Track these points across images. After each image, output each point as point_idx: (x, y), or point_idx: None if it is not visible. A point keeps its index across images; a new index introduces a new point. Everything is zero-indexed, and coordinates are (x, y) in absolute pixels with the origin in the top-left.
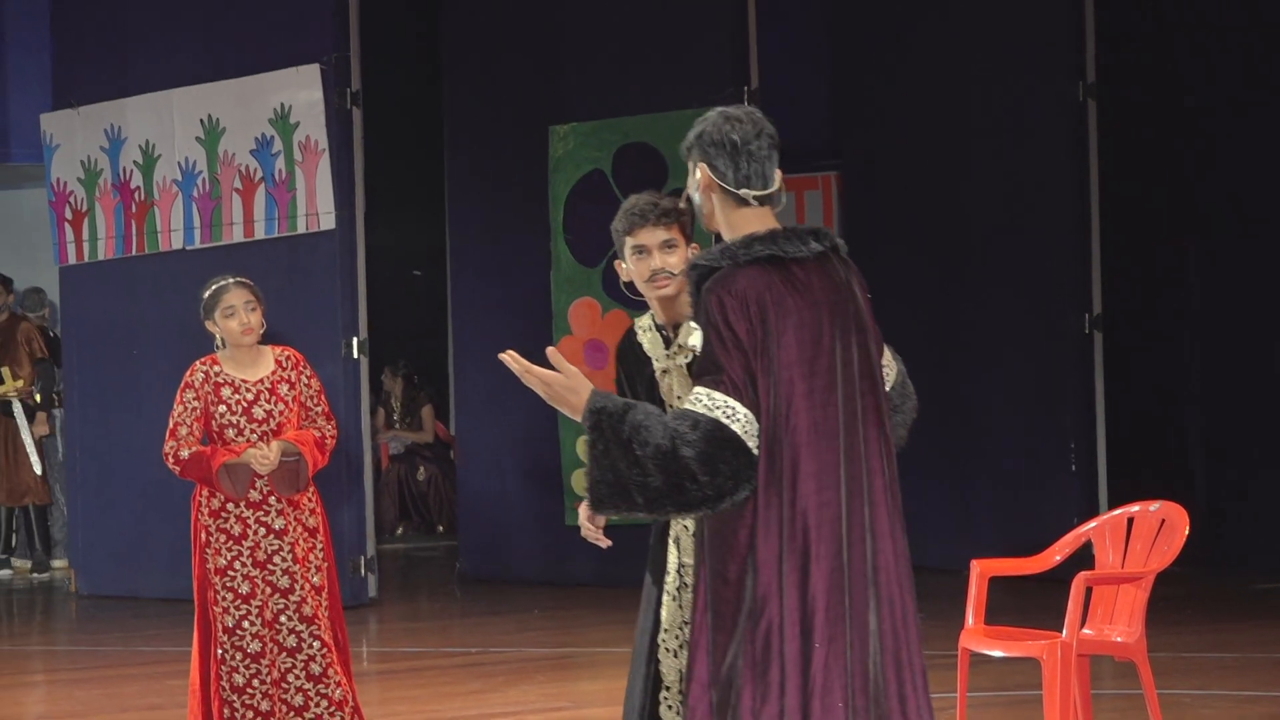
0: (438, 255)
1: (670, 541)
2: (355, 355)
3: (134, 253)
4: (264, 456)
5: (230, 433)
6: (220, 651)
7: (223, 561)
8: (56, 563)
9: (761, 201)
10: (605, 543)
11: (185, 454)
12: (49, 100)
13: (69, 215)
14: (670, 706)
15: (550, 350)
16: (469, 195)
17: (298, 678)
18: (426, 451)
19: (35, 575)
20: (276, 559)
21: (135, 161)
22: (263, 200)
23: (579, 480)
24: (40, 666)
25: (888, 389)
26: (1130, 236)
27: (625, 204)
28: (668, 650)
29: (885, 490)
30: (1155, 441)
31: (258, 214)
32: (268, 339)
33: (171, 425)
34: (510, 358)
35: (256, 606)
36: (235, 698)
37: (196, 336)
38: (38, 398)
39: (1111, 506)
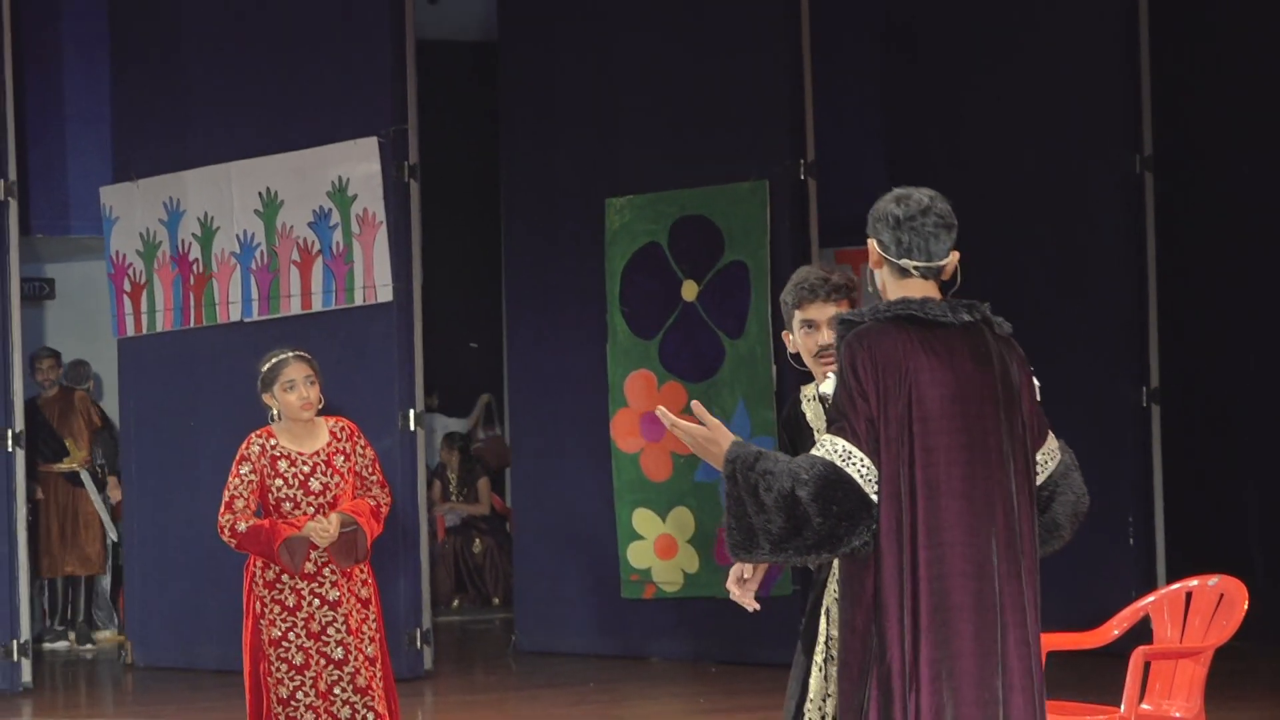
0: (495, 326)
1: (821, 613)
2: (412, 427)
3: (192, 325)
4: (324, 530)
5: (287, 506)
6: None
7: (277, 633)
8: (100, 634)
9: (925, 275)
10: (754, 606)
11: (242, 527)
12: (109, 173)
13: (128, 287)
14: None
15: (695, 404)
16: (525, 267)
17: None
18: (482, 524)
19: (78, 647)
20: (330, 630)
21: (194, 234)
22: (320, 273)
23: (635, 553)
24: None
25: (1046, 476)
26: (1187, 309)
27: (795, 277)
28: None
29: (1015, 549)
30: (1213, 515)
31: (315, 286)
32: (324, 410)
33: (227, 498)
34: (661, 412)
35: (310, 678)
36: None
37: (254, 408)
38: (102, 466)
39: (1169, 581)
